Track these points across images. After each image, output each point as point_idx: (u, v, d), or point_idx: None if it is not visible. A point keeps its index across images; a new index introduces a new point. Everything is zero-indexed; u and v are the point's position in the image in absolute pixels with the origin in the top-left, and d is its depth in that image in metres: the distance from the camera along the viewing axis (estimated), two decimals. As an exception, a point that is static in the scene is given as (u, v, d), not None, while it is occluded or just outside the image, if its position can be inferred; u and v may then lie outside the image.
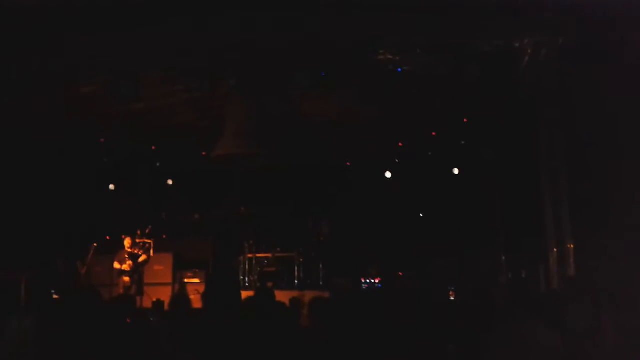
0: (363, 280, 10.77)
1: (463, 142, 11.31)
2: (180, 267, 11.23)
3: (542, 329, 3.10)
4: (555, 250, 7.15)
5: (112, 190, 12.20)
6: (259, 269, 10.88)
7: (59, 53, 7.27)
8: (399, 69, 7.89)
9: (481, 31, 6.97)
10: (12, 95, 8.02)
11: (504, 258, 10.57)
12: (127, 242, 9.76)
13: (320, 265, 10.86)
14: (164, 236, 11.51)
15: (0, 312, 2.59)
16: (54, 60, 7.40)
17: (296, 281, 10.74)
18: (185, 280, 10.95)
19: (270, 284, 10.38)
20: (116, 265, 9.70)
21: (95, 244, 9.84)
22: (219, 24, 6.94)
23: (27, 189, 9.56)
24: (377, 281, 10.78)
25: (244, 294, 3.86)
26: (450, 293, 8.81)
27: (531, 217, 8.18)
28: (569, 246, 7.08)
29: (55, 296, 8.90)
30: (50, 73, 7.68)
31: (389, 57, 7.67)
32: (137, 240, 9.87)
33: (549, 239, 7.24)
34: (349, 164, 12.75)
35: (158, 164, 12.45)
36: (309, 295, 5.16)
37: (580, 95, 6.94)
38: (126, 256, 9.65)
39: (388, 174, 12.38)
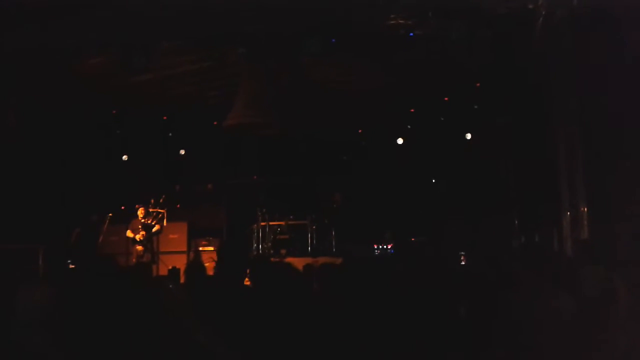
0: (375, 247, 10.82)
1: (476, 107, 11.20)
2: (195, 236, 11.37)
3: (555, 292, 3.12)
4: (568, 213, 7.12)
5: (125, 161, 12.28)
6: (272, 236, 10.97)
7: (69, 26, 7.26)
8: (411, 34, 7.78)
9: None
10: (23, 69, 8.05)
11: (517, 222, 10.56)
12: (140, 211, 9.85)
13: (333, 232, 10.92)
14: (178, 206, 11.62)
15: (19, 283, 2.64)
16: (64, 33, 7.39)
17: (309, 248, 10.82)
18: (200, 248, 11.09)
19: (283, 251, 10.49)
20: (129, 233, 9.83)
21: (110, 214, 9.97)
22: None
23: (41, 162, 9.66)
24: (389, 247, 10.83)
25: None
26: (462, 258, 8.83)
27: (544, 181, 8.13)
28: (582, 209, 7.04)
29: (71, 266, 9.06)
30: (61, 46, 7.68)
31: (401, 21, 7.56)
32: (151, 210, 9.97)
33: (563, 202, 7.20)
34: (360, 130, 12.69)
35: (170, 134, 12.47)
36: (321, 261, 5.20)
37: (595, 57, 6.81)
38: (139, 226, 9.76)
39: (400, 140, 12.32)
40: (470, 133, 11.70)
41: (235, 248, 3.79)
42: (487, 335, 2.86)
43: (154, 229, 9.86)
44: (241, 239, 11.11)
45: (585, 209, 7.06)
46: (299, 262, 5.24)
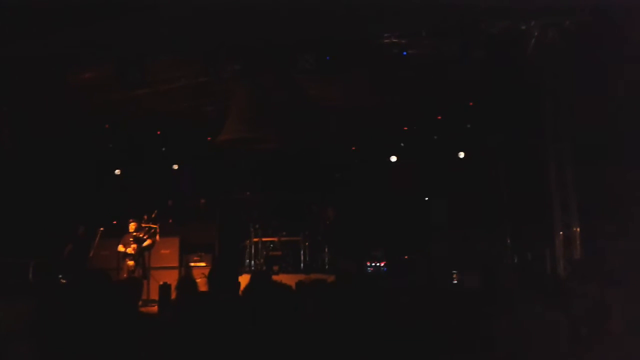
0: (368, 264, 10.79)
1: (469, 126, 11.26)
2: (187, 251, 11.30)
3: (547, 311, 3.11)
4: (561, 233, 7.14)
5: (118, 176, 12.24)
6: (264, 252, 10.92)
7: (63, 40, 7.27)
8: (404, 52, 7.83)
9: (487, 13, 6.90)
10: (17, 84, 8.05)
11: (509, 241, 10.57)
12: (132, 226, 9.82)
13: (326, 249, 10.89)
14: (170, 220, 11.57)
15: (9, 295, 2.61)
16: (58, 47, 7.40)
17: (302, 265, 10.78)
18: (191, 264, 11.02)
19: (276, 268, 10.44)
20: (120, 248, 9.77)
21: (102, 228, 9.91)
22: (222, 7, 6.91)
23: (32, 175, 9.60)
24: (382, 264, 10.80)
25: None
26: (454, 276, 8.83)
27: (537, 200, 8.16)
28: (575, 229, 7.06)
29: (62, 280, 8.97)
30: (54, 60, 7.68)
31: (394, 40, 7.61)
32: (143, 225, 9.93)
33: (555, 222, 7.22)
34: (354, 148, 12.72)
35: (163, 149, 12.46)
36: (314, 278, 5.18)
37: (586, 77, 6.88)
38: (131, 239, 9.71)
39: (393, 158, 12.36)
40: (463, 152, 11.75)
41: (229, 264, 3.77)
42: (480, 352, 2.85)
43: (145, 243, 9.81)
44: (231, 258, 11.08)
45: (578, 229, 7.08)
46: (291, 279, 5.22)
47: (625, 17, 5.97)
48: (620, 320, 2.82)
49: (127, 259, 9.67)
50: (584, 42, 6.77)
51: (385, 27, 7.39)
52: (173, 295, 4.87)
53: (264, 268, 10.50)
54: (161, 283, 8.47)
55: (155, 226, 10.15)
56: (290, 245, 11.02)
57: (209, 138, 10.65)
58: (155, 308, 8.86)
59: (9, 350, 2.37)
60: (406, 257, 11.02)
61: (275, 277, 6.89)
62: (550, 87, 7.39)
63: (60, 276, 9.10)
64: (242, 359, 2.60)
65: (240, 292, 3.49)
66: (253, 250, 10.90)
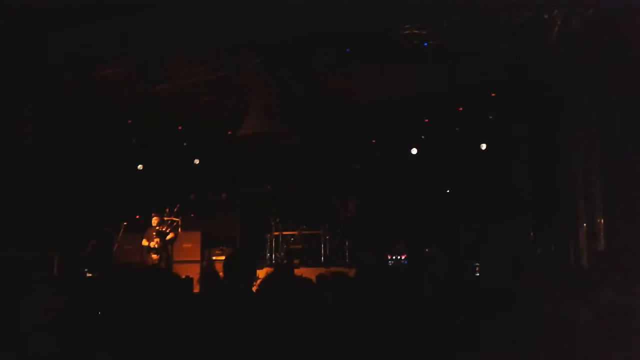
0: (389, 257, 10.77)
1: (491, 117, 11.14)
2: (209, 245, 11.39)
3: (571, 304, 3.07)
4: (585, 225, 7.04)
5: (140, 170, 12.37)
6: (285, 246, 10.96)
7: (84, 37, 7.35)
8: (425, 44, 7.77)
9: (509, 3, 6.81)
10: (39, 81, 8.16)
11: (532, 233, 10.45)
12: (155, 220, 9.92)
13: (347, 243, 10.88)
14: (192, 215, 11.67)
15: (32, 288, 2.65)
16: (81, 43, 7.48)
17: (322, 258, 10.79)
18: (214, 258, 11.09)
19: (297, 261, 10.47)
20: (144, 242, 9.89)
21: (125, 223, 10.03)
22: (242, 2, 6.92)
23: (57, 171, 9.73)
24: (403, 257, 10.77)
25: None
26: (477, 269, 8.75)
27: (561, 192, 8.05)
28: (599, 221, 6.96)
29: (88, 274, 9.12)
30: (77, 56, 7.77)
31: (415, 31, 7.55)
32: (165, 218, 10.03)
33: (579, 213, 7.12)
34: (374, 141, 12.67)
35: (185, 144, 12.55)
36: (334, 271, 5.18)
37: (611, 66, 6.76)
38: (154, 234, 9.82)
39: (414, 151, 12.28)
40: (486, 143, 11.63)
41: (242, 258, 3.77)
42: (502, 344, 2.82)
43: (168, 237, 9.91)
44: (249, 248, 11.12)
45: (602, 220, 6.97)
46: (311, 272, 5.23)
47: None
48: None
49: (151, 253, 9.79)
50: (606, 32, 6.64)
51: (406, 19, 7.33)
52: (196, 289, 4.90)
53: (285, 261, 10.54)
54: (183, 277, 8.54)
55: (177, 219, 10.25)
56: (310, 239, 11.04)
57: (229, 132, 10.70)
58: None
59: (35, 342, 2.41)
60: (427, 250, 10.97)
61: (296, 271, 6.91)
62: (574, 77, 7.27)
63: (86, 270, 9.26)
64: (254, 354, 2.61)
65: (257, 285, 3.50)
66: (274, 244, 10.95)
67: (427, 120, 11.76)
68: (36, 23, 6.79)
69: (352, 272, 4.56)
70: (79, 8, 6.72)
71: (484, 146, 11.64)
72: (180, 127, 12.05)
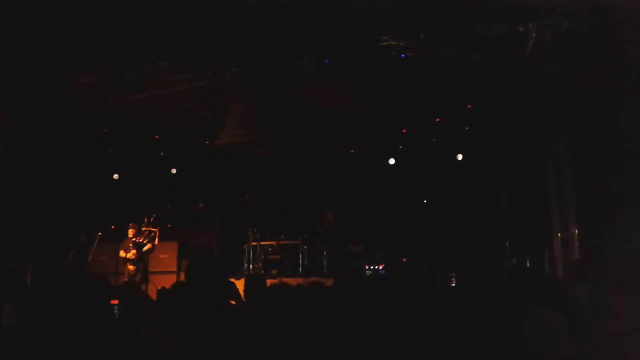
0: (367, 267, 10.79)
1: (467, 128, 11.27)
2: (185, 256, 11.28)
3: (546, 312, 3.11)
4: (559, 235, 7.14)
5: (116, 180, 12.23)
6: (263, 256, 10.91)
7: (61, 45, 7.28)
8: (402, 55, 7.84)
9: (484, 15, 6.91)
10: (15, 88, 8.04)
11: (507, 243, 10.56)
12: (131, 231, 9.81)
13: (325, 253, 10.88)
14: (169, 225, 11.56)
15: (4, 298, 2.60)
16: (56, 52, 7.40)
17: (300, 268, 10.77)
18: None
19: (274, 272, 10.43)
20: (121, 253, 9.76)
21: (100, 233, 9.89)
22: (221, 12, 6.92)
23: (30, 180, 9.58)
24: (380, 267, 10.79)
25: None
26: (452, 279, 8.80)
27: (536, 202, 8.15)
28: (573, 231, 7.06)
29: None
30: (54, 64, 7.68)
31: (392, 43, 7.62)
32: (142, 229, 9.92)
33: (554, 223, 7.22)
34: (352, 151, 12.72)
35: (162, 153, 12.45)
36: (312, 281, 5.18)
37: (584, 79, 6.89)
38: (130, 245, 9.70)
39: (392, 161, 12.36)
40: (462, 154, 11.76)
41: (203, 265, 3.73)
42: (480, 353, 2.84)
43: (145, 248, 9.80)
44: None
45: (576, 230, 7.08)
46: (289, 283, 5.22)
47: (624, 17, 5.97)
48: (619, 320, 2.82)
49: (127, 264, 9.66)
50: (582, 42, 6.77)
51: (383, 30, 7.40)
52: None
53: (263, 272, 10.50)
54: (159, 288, 8.44)
55: (154, 230, 10.13)
56: (289, 249, 11.02)
57: (207, 142, 10.65)
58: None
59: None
60: (404, 259, 11.00)
61: (273, 281, 6.89)
62: (549, 88, 7.40)
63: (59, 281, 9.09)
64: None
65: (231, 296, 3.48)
66: (252, 254, 10.90)
67: (404, 131, 11.86)
68: (12, 30, 6.70)
69: (329, 283, 4.56)
70: (55, 16, 6.65)
71: (460, 157, 11.75)
72: (157, 137, 11.96)
